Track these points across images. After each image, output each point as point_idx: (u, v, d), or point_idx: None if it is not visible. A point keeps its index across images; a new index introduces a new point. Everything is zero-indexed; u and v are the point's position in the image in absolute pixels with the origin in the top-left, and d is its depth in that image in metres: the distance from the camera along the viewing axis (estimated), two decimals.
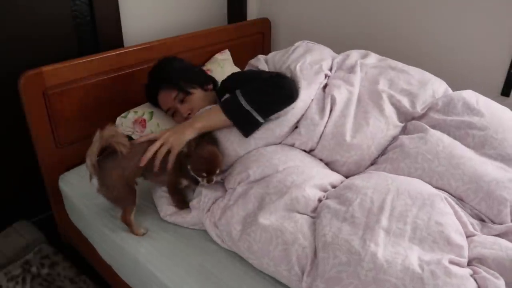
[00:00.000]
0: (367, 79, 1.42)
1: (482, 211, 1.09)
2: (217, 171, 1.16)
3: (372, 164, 1.27)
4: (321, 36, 2.06)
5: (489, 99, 1.34)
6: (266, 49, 2.27)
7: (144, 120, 1.56)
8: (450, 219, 1.00)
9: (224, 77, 1.47)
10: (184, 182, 1.24)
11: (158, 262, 1.15)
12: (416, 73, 1.44)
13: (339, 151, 1.25)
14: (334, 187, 1.17)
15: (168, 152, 1.19)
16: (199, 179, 1.17)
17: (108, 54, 1.58)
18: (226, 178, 1.24)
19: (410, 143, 1.22)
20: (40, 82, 1.41)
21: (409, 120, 1.34)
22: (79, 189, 1.46)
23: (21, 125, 1.50)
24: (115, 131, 1.15)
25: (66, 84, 1.48)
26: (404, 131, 1.31)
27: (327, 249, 0.95)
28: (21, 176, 1.75)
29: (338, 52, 1.63)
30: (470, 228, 1.04)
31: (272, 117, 1.27)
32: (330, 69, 1.48)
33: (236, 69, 1.97)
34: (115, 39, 1.78)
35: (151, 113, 1.58)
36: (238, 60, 2.04)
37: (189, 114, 1.45)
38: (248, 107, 1.22)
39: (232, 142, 1.26)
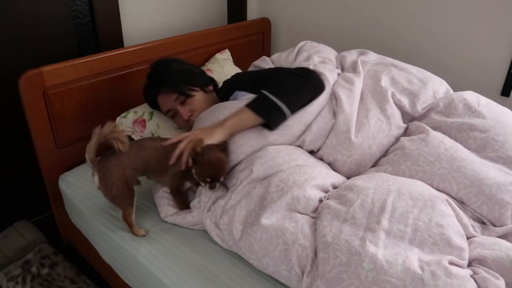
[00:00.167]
0: (369, 77, 1.42)
1: (483, 214, 1.09)
2: (221, 179, 1.15)
3: (373, 165, 1.27)
4: (321, 36, 2.06)
5: (490, 100, 1.33)
6: (266, 49, 2.27)
7: (144, 120, 1.56)
8: (451, 221, 0.99)
9: (225, 77, 1.46)
10: (187, 184, 1.24)
11: (158, 262, 1.14)
12: (417, 72, 1.44)
13: (340, 150, 1.25)
14: (335, 187, 1.16)
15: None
16: (202, 184, 1.16)
17: (108, 54, 1.58)
18: (229, 175, 1.24)
19: (411, 145, 1.21)
20: (40, 82, 1.41)
21: (410, 120, 1.33)
22: (79, 189, 1.46)
23: (21, 125, 1.50)
24: (114, 128, 1.14)
25: (66, 84, 1.48)
26: (405, 132, 1.31)
27: (327, 249, 0.95)
28: (21, 176, 1.75)
29: (338, 52, 1.64)
30: (471, 230, 1.04)
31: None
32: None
33: (237, 69, 1.97)
34: (115, 39, 1.78)
35: (151, 113, 1.58)
36: (238, 60, 2.04)
37: (189, 116, 1.44)
38: (279, 103, 1.22)
39: (249, 138, 1.24)
